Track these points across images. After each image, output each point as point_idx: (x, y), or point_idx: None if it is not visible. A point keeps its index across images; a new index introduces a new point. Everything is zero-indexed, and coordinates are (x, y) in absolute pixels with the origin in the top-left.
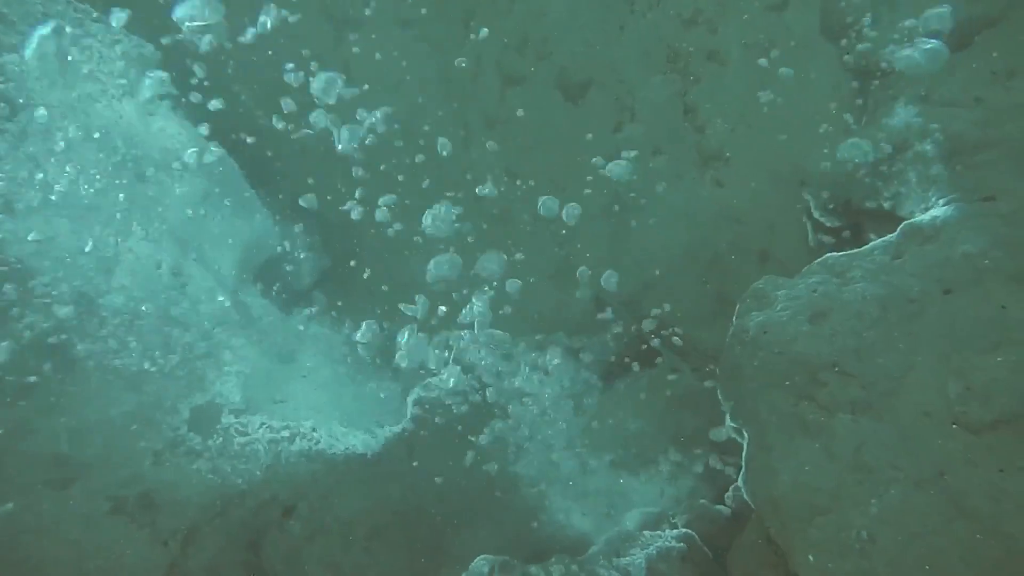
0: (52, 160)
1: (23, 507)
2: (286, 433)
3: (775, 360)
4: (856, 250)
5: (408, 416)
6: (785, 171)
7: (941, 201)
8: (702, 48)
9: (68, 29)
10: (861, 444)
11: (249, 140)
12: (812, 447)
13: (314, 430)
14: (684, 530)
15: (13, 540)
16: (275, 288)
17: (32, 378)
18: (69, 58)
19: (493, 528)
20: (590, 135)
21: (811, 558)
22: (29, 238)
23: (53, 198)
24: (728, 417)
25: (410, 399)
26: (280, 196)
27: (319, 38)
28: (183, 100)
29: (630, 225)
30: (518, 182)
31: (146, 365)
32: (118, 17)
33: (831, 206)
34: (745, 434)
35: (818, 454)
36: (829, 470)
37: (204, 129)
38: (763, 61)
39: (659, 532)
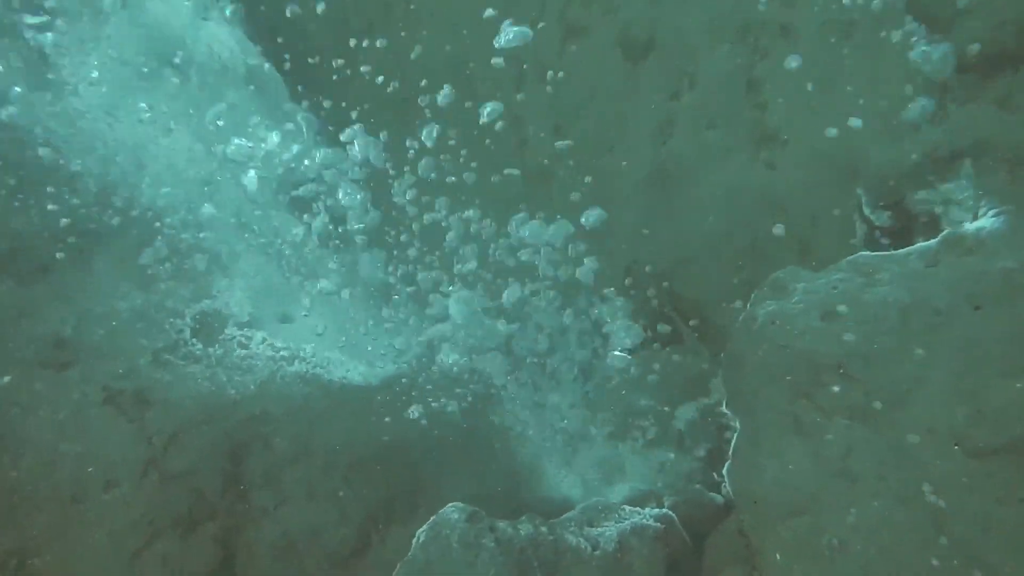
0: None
1: (17, 383)
2: (286, 353)
3: (779, 353)
4: (889, 252)
5: (413, 355)
6: (841, 162)
7: (991, 212)
8: (776, 22)
9: None
10: (850, 451)
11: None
12: (801, 447)
13: (314, 355)
14: (666, 511)
15: (1, 412)
16: (309, 211)
17: (48, 262)
18: None
19: (476, 479)
20: (645, 98)
21: (778, 557)
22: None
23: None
24: (724, 405)
25: (419, 339)
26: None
27: None
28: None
29: (672, 197)
30: (565, 139)
31: (160, 267)
32: None
33: (882, 204)
34: (738, 424)
35: (805, 455)
36: (813, 472)
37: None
38: (839, 44)
39: (640, 509)
